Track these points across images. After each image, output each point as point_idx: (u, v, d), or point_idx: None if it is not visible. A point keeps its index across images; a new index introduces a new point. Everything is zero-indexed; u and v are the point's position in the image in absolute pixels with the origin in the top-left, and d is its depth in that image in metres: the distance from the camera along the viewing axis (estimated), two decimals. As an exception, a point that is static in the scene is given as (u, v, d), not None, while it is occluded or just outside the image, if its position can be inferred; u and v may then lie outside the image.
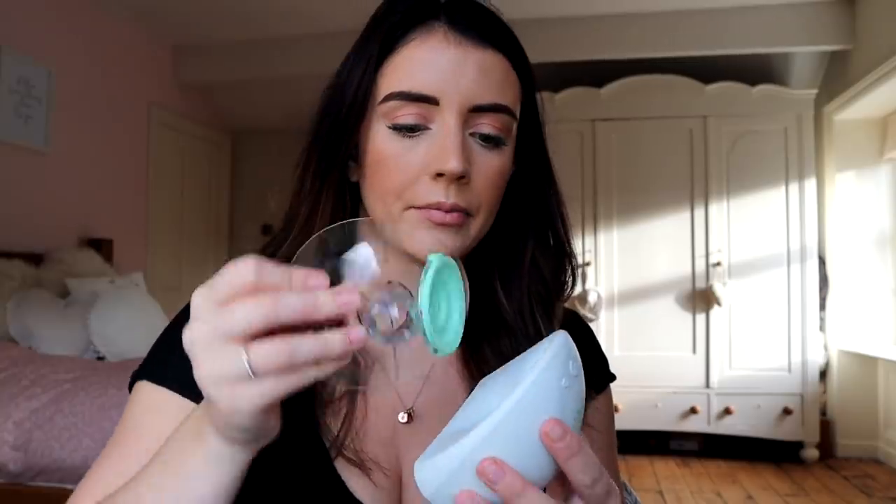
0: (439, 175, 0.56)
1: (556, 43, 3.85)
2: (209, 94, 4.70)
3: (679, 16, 3.76)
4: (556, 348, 0.42)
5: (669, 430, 3.90)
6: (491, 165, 0.59)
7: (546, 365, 0.41)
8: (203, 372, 0.38)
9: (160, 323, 2.76)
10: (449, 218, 0.57)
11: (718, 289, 3.75)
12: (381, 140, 0.59)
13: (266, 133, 4.91)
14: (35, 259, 2.94)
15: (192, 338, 0.38)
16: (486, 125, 0.58)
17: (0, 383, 1.99)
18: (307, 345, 0.37)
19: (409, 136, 0.58)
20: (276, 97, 4.44)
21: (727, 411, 3.78)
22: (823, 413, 3.91)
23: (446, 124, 0.57)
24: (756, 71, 4.01)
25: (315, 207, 0.63)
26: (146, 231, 4.12)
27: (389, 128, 0.58)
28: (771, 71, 4.10)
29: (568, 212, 0.68)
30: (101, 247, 3.44)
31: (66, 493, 2.02)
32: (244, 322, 0.37)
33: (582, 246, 3.96)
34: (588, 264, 3.96)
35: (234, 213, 5.14)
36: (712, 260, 3.82)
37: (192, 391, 0.59)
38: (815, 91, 3.85)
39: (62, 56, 3.41)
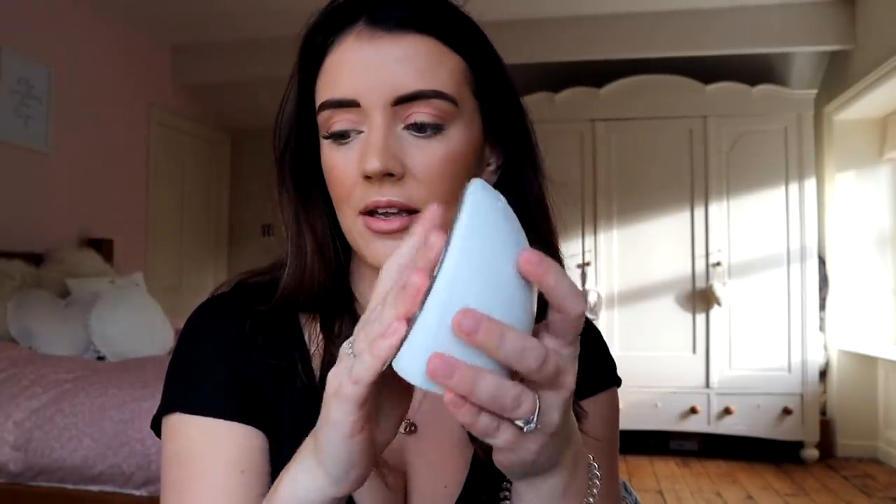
0: (368, 177, 0.55)
1: (556, 43, 3.85)
2: (209, 94, 4.70)
3: (679, 16, 3.76)
4: (475, 183, 0.41)
5: (669, 430, 3.90)
6: (431, 156, 0.56)
7: (476, 189, 0.40)
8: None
9: (160, 323, 2.76)
10: (391, 225, 0.56)
11: (718, 289, 3.75)
12: (325, 152, 0.59)
13: (266, 133, 4.81)
14: (35, 259, 2.94)
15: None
16: (418, 114, 0.56)
17: (0, 383, 1.99)
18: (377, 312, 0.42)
19: (343, 143, 0.57)
20: (275, 97, 4.38)
21: (727, 411, 3.78)
22: (823, 413, 3.91)
23: (371, 124, 0.56)
24: (756, 71, 4.01)
25: (300, 228, 0.63)
26: (146, 231, 4.12)
27: (326, 138, 0.58)
28: (771, 71, 4.10)
29: (550, 200, 0.65)
30: (101, 247, 3.44)
31: (67, 493, 2.01)
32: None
33: (582, 246, 3.97)
34: (588, 264, 3.96)
35: (234, 213, 5.14)
36: (712, 260, 3.82)
37: (231, 412, 0.59)
38: (815, 91, 3.85)
39: (62, 56, 3.41)
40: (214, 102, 4.79)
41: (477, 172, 0.61)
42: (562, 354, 0.41)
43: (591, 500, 0.49)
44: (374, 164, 0.54)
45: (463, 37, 0.59)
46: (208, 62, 4.32)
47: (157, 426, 0.64)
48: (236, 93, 4.64)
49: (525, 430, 0.41)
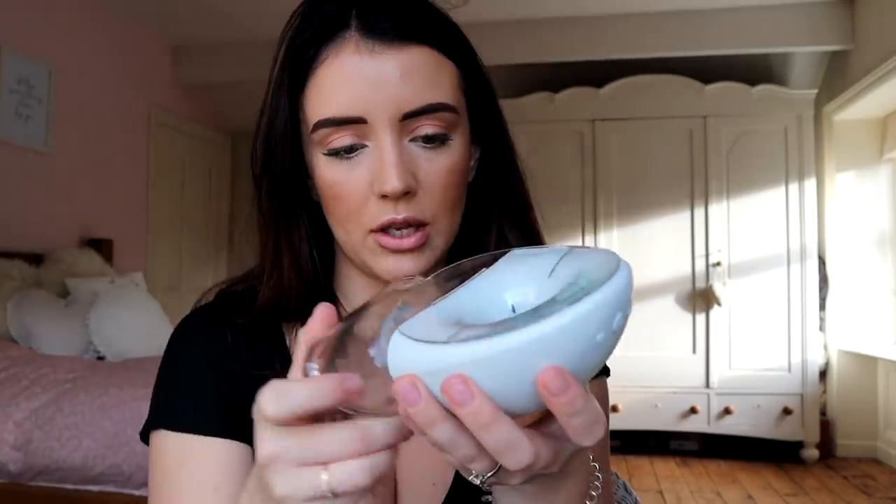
0: (384, 196, 0.54)
1: (556, 43, 3.85)
2: (209, 95, 4.70)
3: (679, 16, 3.76)
4: (613, 288, 0.33)
5: (669, 430, 3.90)
6: (439, 167, 0.56)
7: (590, 308, 0.33)
8: (279, 492, 0.38)
9: (160, 323, 2.76)
10: (406, 243, 0.55)
11: (718, 289, 3.75)
12: (322, 168, 0.57)
13: (266, 133, 4.90)
14: (35, 259, 2.94)
15: (270, 457, 0.38)
16: (425, 126, 0.55)
17: (0, 383, 1.99)
18: (382, 458, 0.38)
19: (348, 158, 0.56)
20: (276, 97, 4.43)
21: (727, 411, 3.78)
22: (823, 413, 3.91)
23: (380, 141, 0.54)
24: (756, 71, 4.01)
25: (278, 238, 0.62)
26: (146, 231, 4.12)
27: (326, 154, 0.56)
28: (771, 71, 4.10)
29: (528, 191, 0.65)
30: (101, 247, 3.44)
31: (67, 494, 2.00)
32: (330, 454, 0.37)
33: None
34: (588, 264, 3.95)
35: (234, 213, 5.13)
36: (712, 260, 3.82)
37: (210, 428, 0.59)
38: (815, 91, 3.85)
39: (62, 56, 3.41)
40: (214, 103, 4.78)
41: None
42: (563, 448, 0.38)
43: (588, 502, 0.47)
44: (394, 185, 0.53)
45: (455, 43, 0.59)
46: (208, 62, 4.32)
47: (146, 436, 0.64)
48: (236, 93, 4.64)
49: (470, 477, 0.39)
